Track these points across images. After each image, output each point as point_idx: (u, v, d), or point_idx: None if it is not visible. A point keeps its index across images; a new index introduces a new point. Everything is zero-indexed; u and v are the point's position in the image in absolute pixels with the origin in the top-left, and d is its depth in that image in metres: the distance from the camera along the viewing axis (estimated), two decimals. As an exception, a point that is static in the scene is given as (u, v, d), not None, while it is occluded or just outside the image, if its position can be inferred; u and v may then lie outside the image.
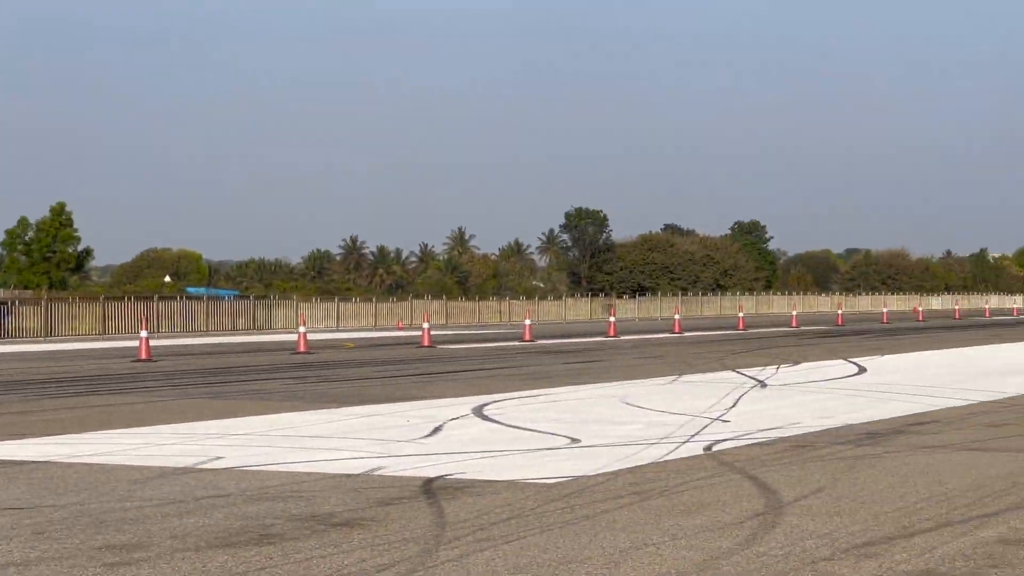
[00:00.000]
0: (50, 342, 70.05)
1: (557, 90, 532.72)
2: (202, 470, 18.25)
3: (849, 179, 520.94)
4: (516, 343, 61.29)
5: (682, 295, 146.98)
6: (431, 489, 16.45)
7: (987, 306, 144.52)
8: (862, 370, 40.22)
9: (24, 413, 27.31)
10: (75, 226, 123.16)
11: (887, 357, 47.66)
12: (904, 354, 49.93)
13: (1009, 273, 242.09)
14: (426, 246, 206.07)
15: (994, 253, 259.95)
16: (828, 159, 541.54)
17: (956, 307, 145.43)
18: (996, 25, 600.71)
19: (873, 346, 55.90)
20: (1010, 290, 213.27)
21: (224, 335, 76.18)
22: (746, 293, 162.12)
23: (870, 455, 20.10)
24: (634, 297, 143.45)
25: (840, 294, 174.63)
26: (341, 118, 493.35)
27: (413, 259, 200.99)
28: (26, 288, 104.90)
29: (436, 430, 23.18)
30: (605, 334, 70.29)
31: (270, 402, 29.62)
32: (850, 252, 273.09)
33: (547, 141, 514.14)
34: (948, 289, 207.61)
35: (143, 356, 49.97)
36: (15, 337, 72.64)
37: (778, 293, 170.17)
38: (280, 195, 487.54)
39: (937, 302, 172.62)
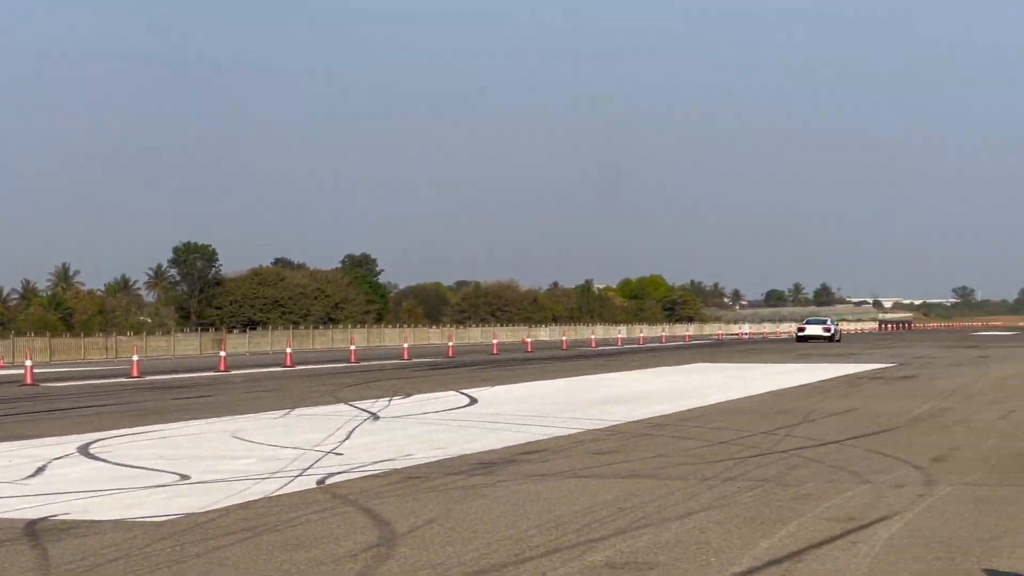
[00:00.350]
0: None
1: (166, 122, 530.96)
2: None
3: (458, 213, 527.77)
4: (124, 379, 60.47)
5: (293, 329, 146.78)
6: (34, 531, 16.12)
7: (593, 336, 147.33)
8: (473, 401, 40.59)
9: None
10: None
11: (497, 388, 48.18)
12: (514, 384, 50.55)
13: (613, 304, 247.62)
14: (28, 283, 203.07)
15: (599, 285, 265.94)
16: (436, 193, 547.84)
17: (563, 338, 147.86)
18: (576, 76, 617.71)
19: (483, 377, 56.51)
20: (615, 320, 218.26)
21: None
22: (358, 326, 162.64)
23: (482, 485, 20.26)
24: (245, 332, 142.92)
25: (451, 326, 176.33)
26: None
27: (15, 296, 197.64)
28: None
29: (40, 470, 22.71)
30: (216, 369, 69.82)
31: None
32: (460, 284, 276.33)
33: (155, 175, 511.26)
34: (556, 320, 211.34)
35: None
36: None
37: (390, 326, 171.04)
38: None
39: (545, 333, 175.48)
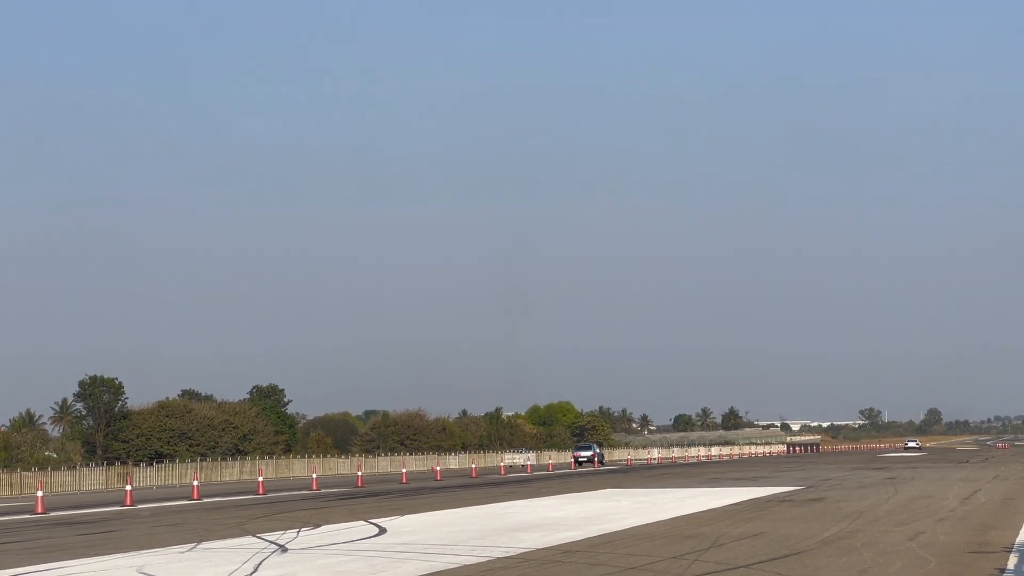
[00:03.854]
0: None
1: (64, 252, 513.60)
2: None
3: (364, 343, 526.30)
4: (28, 515, 59.97)
5: (201, 460, 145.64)
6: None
7: (503, 463, 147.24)
8: (383, 531, 40.47)
9: None
10: None
11: (407, 517, 48.09)
12: (424, 513, 50.48)
13: (522, 431, 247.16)
14: None
15: (508, 412, 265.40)
16: (343, 324, 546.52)
17: (472, 465, 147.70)
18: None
19: (394, 506, 56.39)
20: (524, 446, 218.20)
21: None
22: (266, 457, 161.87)
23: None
24: (152, 464, 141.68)
25: (360, 455, 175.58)
26: None
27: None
28: None
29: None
30: (123, 503, 69.30)
31: None
32: (369, 413, 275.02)
33: (58, 311, 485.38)
34: (465, 448, 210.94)
35: None
36: None
37: (298, 456, 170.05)
38: None
39: (455, 461, 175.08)
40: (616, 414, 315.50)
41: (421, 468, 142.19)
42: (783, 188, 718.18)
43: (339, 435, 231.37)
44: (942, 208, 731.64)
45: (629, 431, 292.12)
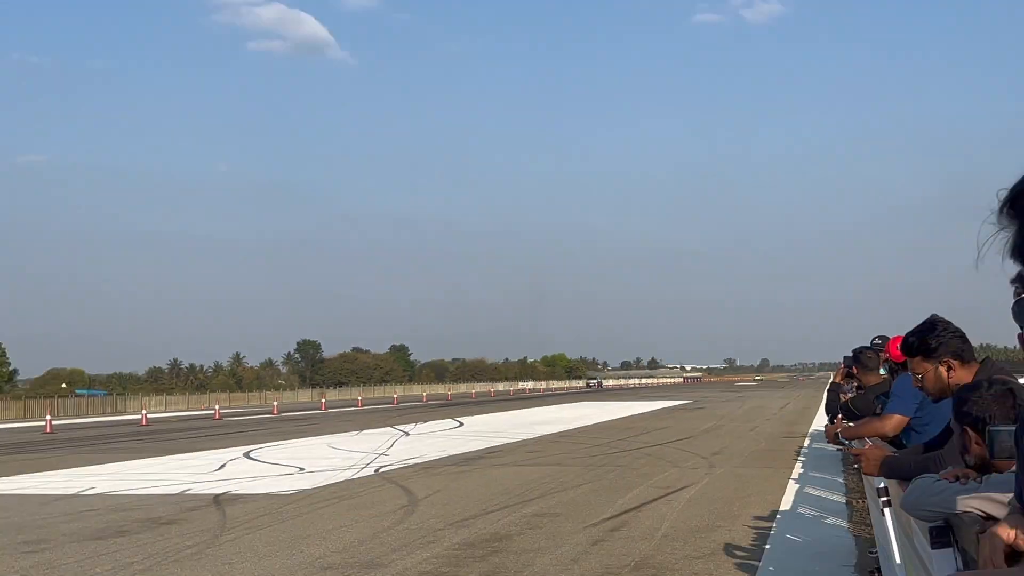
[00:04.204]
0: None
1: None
2: (85, 494, 17.48)
3: (457, 313, 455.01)
4: (268, 416, 59.80)
5: (363, 386, 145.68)
6: (219, 500, 16.01)
7: (528, 388, 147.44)
8: (460, 424, 40.40)
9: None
10: (8, 357, 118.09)
11: (474, 417, 48.01)
12: (483, 415, 50.35)
13: (537, 369, 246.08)
14: (217, 363, 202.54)
15: (531, 359, 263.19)
16: (443, 287, 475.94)
17: (511, 388, 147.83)
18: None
19: (466, 411, 56.22)
20: (539, 378, 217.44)
21: (98, 416, 72.91)
22: (398, 384, 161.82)
23: (466, 470, 20.17)
24: (336, 388, 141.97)
25: (449, 383, 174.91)
26: None
27: (209, 369, 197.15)
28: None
29: (222, 466, 22.55)
30: (320, 408, 69.50)
31: (122, 451, 28.54)
32: (455, 360, 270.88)
33: (283, 297, 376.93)
34: (507, 378, 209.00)
35: (47, 431, 46.50)
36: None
37: (415, 383, 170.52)
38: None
39: (501, 386, 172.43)
40: (588, 360, 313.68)
41: (482, 390, 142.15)
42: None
43: (437, 372, 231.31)
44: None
45: (595, 370, 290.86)
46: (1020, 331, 1.87)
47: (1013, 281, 1.74)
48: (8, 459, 27.67)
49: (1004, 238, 1.61)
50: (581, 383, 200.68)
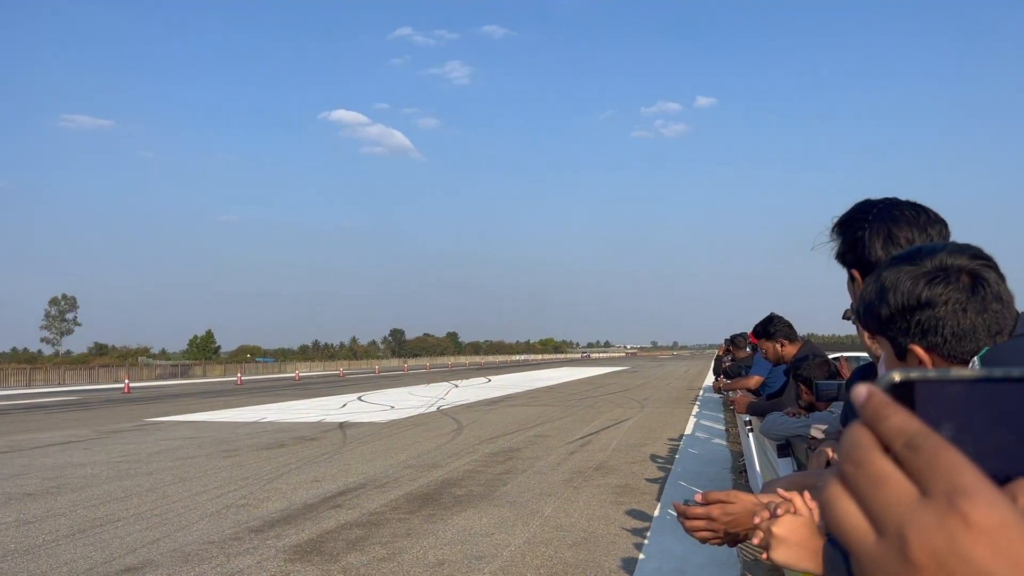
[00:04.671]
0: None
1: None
2: (261, 421, 17.48)
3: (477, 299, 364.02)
4: (370, 375, 59.31)
5: (431, 357, 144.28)
6: (342, 426, 15.97)
7: (529, 357, 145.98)
8: (489, 380, 40.15)
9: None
10: (215, 339, 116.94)
11: (499, 376, 47.63)
12: (506, 375, 50.04)
13: (536, 348, 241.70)
14: (354, 339, 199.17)
15: (533, 340, 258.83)
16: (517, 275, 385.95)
17: (523, 358, 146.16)
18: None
19: (495, 373, 55.93)
20: (540, 353, 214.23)
21: (269, 375, 72.75)
22: (448, 355, 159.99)
23: (493, 408, 20.08)
24: (415, 357, 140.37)
25: (482, 355, 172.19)
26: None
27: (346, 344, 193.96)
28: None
29: (344, 405, 22.52)
30: (402, 371, 69.19)
31: (283, 396, 28.54)
32: (487, 341, 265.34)
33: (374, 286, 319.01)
34: (519, 353, 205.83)
35: (239, 383, 45.01)
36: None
37: (461, 355, 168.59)
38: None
39: (519, 357, 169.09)
40: (567, 341, 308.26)
41: (503, 360, 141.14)
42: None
43: (475, 348, 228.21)
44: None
45: (573, 348, 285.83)
46: (848, 310, 1.87)
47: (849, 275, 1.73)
48: (214, 400, 27.69)
49: (832, 248, 1.71)
50: (563, 356, 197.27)
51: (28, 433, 15.76)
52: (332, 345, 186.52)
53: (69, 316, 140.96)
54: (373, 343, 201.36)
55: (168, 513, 7.43)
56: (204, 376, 66.53)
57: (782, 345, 5.36)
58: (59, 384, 49.99)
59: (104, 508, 7.76)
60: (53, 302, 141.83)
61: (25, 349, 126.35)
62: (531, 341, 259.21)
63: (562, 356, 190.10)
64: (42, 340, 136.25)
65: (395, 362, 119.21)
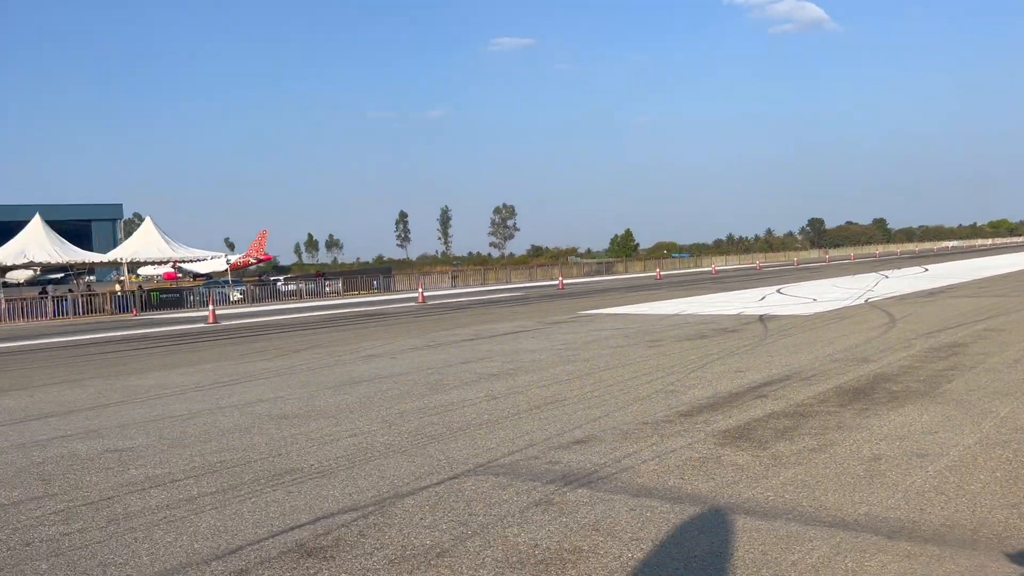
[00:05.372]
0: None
1: None
2: (681, 314, 18.15)
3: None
4: (791, 268, 57.30)
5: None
6: (762, 318, 15.85)
7: (975, 243, 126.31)
8: (926, 270, 35.99)
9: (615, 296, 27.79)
10: (634, 237, 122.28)
11: (937, 264, 42.51)
12: (944, 263, 44.47)
13: (983, 230, 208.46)
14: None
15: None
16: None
17: (963, 244, 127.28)
18: None
19: (931, 261, 49.97)
20: (983, 237, 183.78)
21: (687, 269, 74.46)
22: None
23: (931, 300, 18.13)
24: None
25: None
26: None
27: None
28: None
29: (763, 298, 22.24)
30: (824, 262, 65.45)
31: (701, 289, 29.09)
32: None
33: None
34: (958, 238, 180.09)
35: (658, 278, 44.27)
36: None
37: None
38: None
39: (952, 243, 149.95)
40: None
41: (942, 246, 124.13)
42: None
43: (907, 235, 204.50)
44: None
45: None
46: None
47: None
48: (636, 295, 28.71)
49: None
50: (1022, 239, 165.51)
51: (487, 323, 18.59)
52: (747, 238, 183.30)
53: (509, 223, 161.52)
54: (790, 234, 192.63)
55: (605, 395, 8.24)
56: (625, 272, 70.58)
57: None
58: (506, 282, 57.15)
59: (552, 388, 8.90)
60: (496, 211, 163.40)
61: (478, 253, 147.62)
62: (977, 224, 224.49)
63: (1021, 239, 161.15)
64: (490, 244, 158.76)
65: (814, 253, 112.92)
